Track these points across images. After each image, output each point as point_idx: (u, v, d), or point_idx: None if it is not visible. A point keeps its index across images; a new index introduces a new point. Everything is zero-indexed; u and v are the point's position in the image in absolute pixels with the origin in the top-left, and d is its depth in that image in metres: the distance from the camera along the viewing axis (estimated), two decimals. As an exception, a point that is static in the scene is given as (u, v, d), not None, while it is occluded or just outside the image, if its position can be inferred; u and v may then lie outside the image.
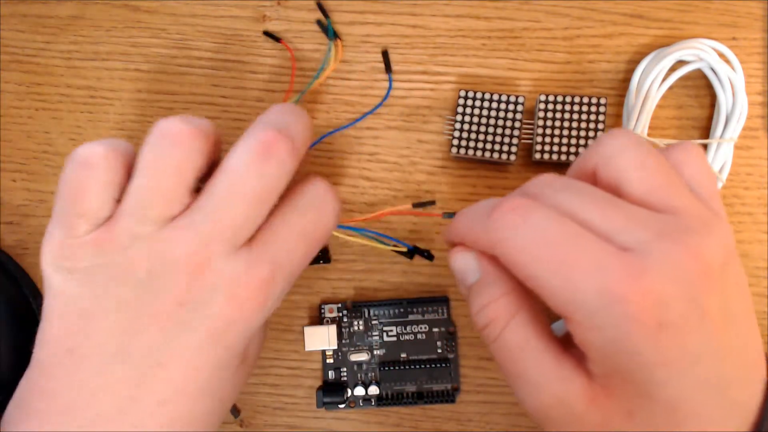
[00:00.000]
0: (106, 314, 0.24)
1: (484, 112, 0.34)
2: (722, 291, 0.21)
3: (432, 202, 0.35)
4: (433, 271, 0.35)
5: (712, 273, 0.21)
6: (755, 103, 0.35)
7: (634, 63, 0.36)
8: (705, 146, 0.34)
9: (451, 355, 0.35)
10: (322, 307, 0.35)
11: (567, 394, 0.22)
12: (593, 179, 0.24)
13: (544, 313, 0.24)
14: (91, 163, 0.24)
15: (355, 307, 0.35)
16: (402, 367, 0.34)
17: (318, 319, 0.35)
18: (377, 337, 0.35)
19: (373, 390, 0.34)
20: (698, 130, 0.35)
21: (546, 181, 0.24)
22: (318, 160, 0.36)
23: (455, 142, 0.34)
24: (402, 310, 0.35)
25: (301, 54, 0.37)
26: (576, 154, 0.34)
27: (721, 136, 0.34)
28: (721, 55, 0.34)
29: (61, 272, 0.24)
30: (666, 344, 0.20)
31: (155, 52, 0.37)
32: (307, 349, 0.34)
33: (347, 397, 0.34)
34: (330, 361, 0.35)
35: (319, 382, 0.35)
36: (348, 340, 0.35)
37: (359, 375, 0.35)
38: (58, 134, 0.37)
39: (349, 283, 0.35)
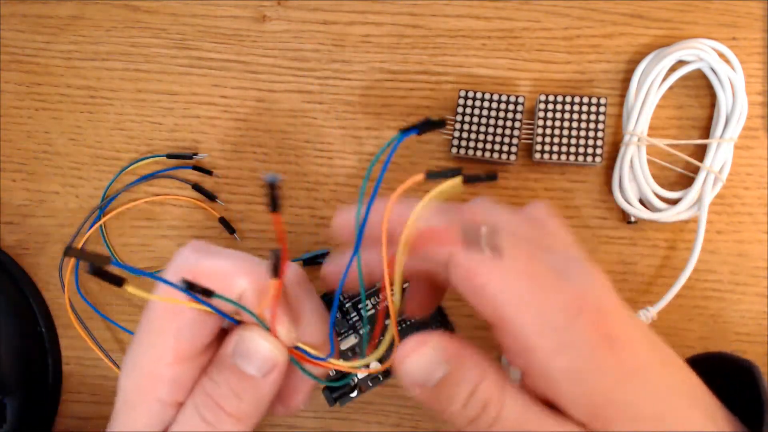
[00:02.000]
0: None
1: (484, 112, 0.34)
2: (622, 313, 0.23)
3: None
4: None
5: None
6: (755, 103, 0.35)
7: (634, 63, 0.36)
8: (705, 146, 0.34)
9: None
10: None
11: None
12: None
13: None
14: None
15: (324, 298, 0.33)
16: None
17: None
18: (356, 316, 0.34)
19: (375, 365, 0.32)
20: (698, 130, 0.35)
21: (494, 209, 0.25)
22: (318, 161, 0.36)
23: (455, 142, 0.34)
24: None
25: (301, 54, 0.37)
26: (576, 154, 0.34)
27: (721, 136, 0.34)
28: (721, 55, 0.34)
29: None
30: (621, 355, 0.21)
31: (155, 52, 0.37)
32: None
33: (354, 384, 0.34)
34: None
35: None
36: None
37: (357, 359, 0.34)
38: (58, 134, 0.37)
39: (349, 283, 0.35)
